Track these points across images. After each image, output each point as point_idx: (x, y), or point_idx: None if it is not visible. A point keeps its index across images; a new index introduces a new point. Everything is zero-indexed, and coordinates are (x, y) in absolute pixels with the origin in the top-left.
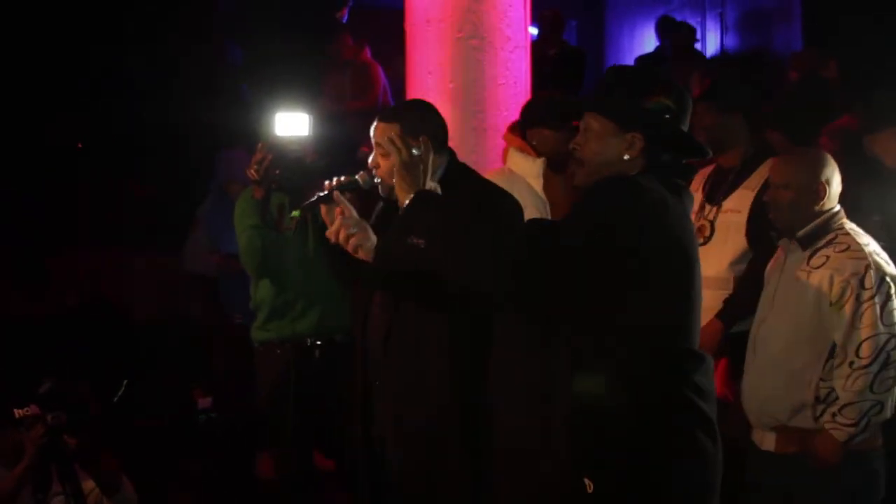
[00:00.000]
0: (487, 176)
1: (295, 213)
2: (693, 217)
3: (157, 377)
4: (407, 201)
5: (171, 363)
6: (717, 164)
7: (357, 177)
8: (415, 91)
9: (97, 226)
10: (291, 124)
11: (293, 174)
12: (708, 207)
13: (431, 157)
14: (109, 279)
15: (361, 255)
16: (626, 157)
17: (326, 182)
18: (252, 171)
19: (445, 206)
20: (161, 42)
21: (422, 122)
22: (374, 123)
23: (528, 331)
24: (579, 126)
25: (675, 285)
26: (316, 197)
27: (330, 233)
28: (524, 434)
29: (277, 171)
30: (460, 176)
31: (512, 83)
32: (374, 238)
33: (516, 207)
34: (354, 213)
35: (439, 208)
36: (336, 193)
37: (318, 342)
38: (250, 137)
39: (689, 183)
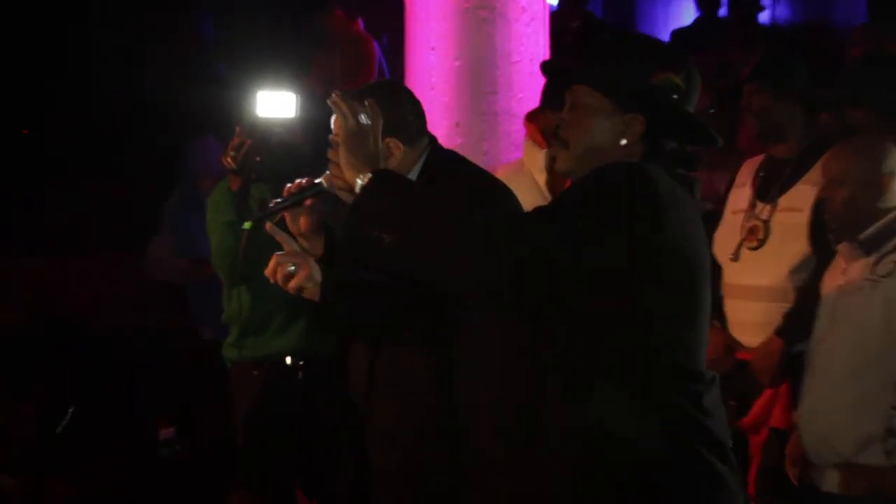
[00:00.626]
0: (500, 169)
1: (246, 226)
2: (742, 217)
3: (111, 403)
4: (360, 181)
5: (129, 386)
6: (769, 154)
7: (321, 179)
8: (415, 70)
9: (43, 227)
10: (275, 105)
11: (277, 162)
12: (760, 205)
13: (381, 124)
14: (57, 289)
15: (307, 295)
16: (622, 141)
17: (288, 185)
18: (228, 159)
19: (420, 188)
20: (127, 17)
21: (372, 89)
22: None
23: (515, 334)
24: (566, 100)
25: (686, 292)
26: (273, 204)
27: (267, 272)
28: (512, 453)
29: (258, 159)
30: (446, 163)
31: (528, 60)
32: (318, 275)
33: (514, 199)
34: (294, 245)
35: (412, 191)
36: (269, 225)
37: (302, 361)
38: (226, 121)
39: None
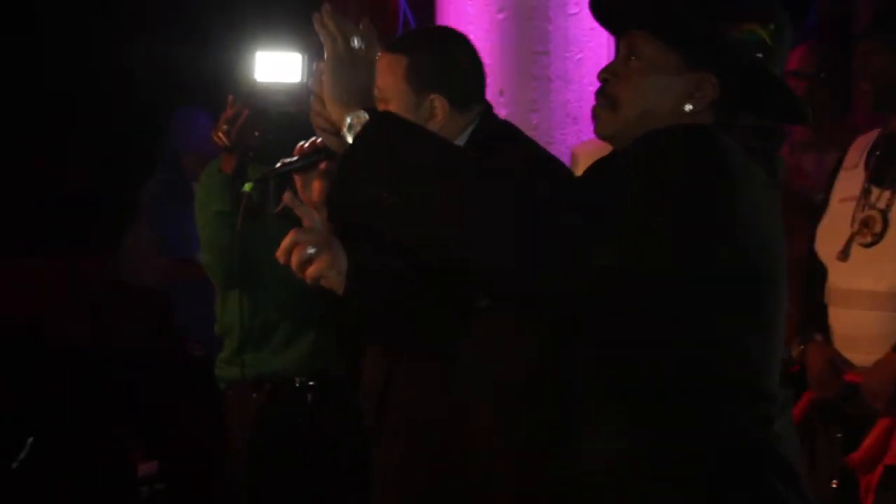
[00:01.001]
0: (585, 145)
1: (247, 187)
2: (853, 206)
3: (79, 433)
4: (349, 120)
5: (101, 413)
6: (888, 128)
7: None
8: (448, 24)
9: None
10: (277, 67)
11: (280, 137)
12: (876, 192)
13: (377, 52)
14: (13, 295)
15: (326, 285)
16: (687, 107)
17: (300, 144)
18: (220, 134)
19: (434, 136)
20: None
21: (421, 35)
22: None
23: (535, 336)
24: (619, 48)
25: (752, 295)
26: (281, 164)
27: (280, 253)
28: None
29: (257, 134)
30: (500, 132)
31: (589, 12)
32: (344, 262)
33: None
34: (317, 223)
35: (424, 138)
36: (288, 195)
37: (312, 382)
38: (218, 89)
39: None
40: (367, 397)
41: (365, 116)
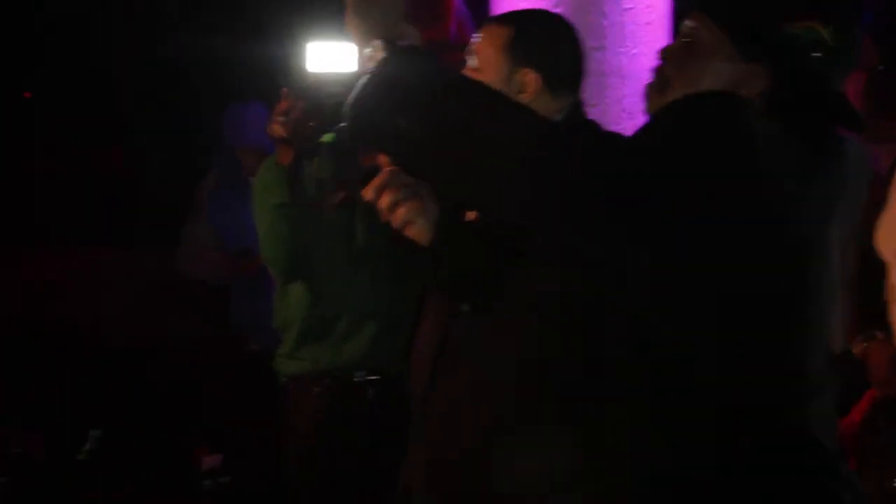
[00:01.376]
0: None
1: (327, 138)
2: None
3: (143, 426)
4: (371, 50)
5: (164, 406)
6: None
7: None
8: None
9: (54, 214)
10: (331, 58)
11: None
12: None
13: None
14: (72, 289)
15: (412, 233)
16: None
17: None
18: (276, 127)
19: (460, 73)
20: None
21: (525, 16)
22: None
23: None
24: (681, 30)
25: (778, 278)
26: None
27: (367, 190)
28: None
29: (312, 125)
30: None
31: (645, 6)
32: (434, 210)
33: None
34: None
35: (447, 71)
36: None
37: (372, 377)
38: (272, 82)
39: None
40: (414, 381)
41: (380, 46)
